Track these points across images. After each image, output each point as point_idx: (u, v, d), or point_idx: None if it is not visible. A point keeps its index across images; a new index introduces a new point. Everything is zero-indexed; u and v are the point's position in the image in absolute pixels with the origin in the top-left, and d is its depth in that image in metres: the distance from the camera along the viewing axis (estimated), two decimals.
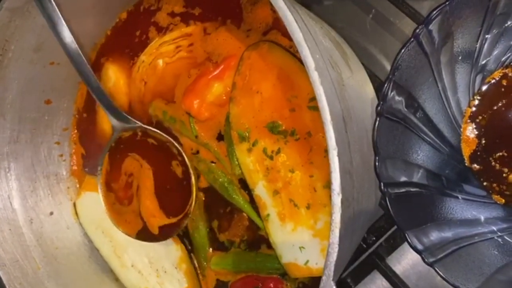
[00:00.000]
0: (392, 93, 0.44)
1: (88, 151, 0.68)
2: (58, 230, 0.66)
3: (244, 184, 0.56)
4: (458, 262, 0.45)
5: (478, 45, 0.47)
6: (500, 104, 0.48)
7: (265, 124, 0.53)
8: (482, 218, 0.49)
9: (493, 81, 0.49)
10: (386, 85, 0.44)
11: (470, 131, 0.50)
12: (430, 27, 0.43)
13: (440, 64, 0.47)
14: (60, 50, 0.61)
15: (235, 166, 0.56)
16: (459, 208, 0.49)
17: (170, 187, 0.61)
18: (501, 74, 0.49)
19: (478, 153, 0.49)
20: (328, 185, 0.49)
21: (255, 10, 0.57)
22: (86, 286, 0.64)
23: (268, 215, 0.53)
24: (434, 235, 0.46)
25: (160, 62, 0.61)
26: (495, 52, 0.48)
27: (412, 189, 0.48)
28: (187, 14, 0.61)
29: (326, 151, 0.45)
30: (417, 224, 0.46)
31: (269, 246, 0.55)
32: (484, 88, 0.49)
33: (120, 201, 0.63)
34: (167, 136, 0.59)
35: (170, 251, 0.61)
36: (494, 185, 0.49)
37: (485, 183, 0.49)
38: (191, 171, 0.58)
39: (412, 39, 0.43)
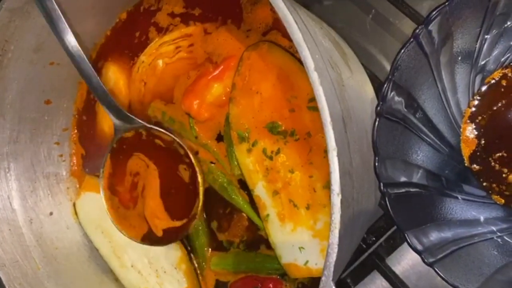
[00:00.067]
0: (392, 94, 0.44)
1: (88, 152, 0.68)
2: (58, 230, 0.66)
3: (243, 185, 0.56)
4: (457, 263, 0.45)
5: (477, 46, 0.47)
6: (499, 105, 0.49)
7: (264, 124, 0.53)
8: (482, 218, 0.49)
9: (492, 81, 0.49)
10: (385, 85, 0.44)
11: (469, 132, 0.50)
12: (430, 27, 0.43)
13: (440, 65, 0.47)
14: (60, 50, 0.61)
15: (234, 166, 0.56)
16: (459, 208, 0.49)
17: (175, 190, 0.60)
18: (500, 75, 0.49)
19: (478, 153, 0.49)
20: (327, 185, 0.49)
21: (255, 11, 0.57)
22: (85, 286, 0.64)
23: (267, 215, 0.53)
24: (434, 236, 0.46)
25: (160, 62, 0.61)
26: (495, 53, 0.48)
27: (411, 190, 0.48)
28: (187, 14, 0.61)
29: (325, 151, 0.45)
30: (416, 224, 0.46)
31: (268, 246, 0.55)
32: (483, 88, 0.49)
33: (124, 204, 0.62)
34: (172, 136, 0.59)
35: (170, 252, 0.61)
36: (494, 185, 0.49)
37: (484, 184, 0.49)
38: (199, 175, 0.57)
39: (411, 40, 0.43)
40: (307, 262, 0.51)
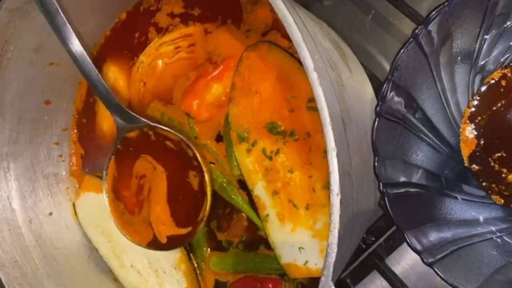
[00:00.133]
0: (391, 94, 0.44)
1: (88, 152, 0.68)
2: (58, 230, 0.66)
3: (243, 185, 0.56)
4: (457, 263, 0.45)
5: (477, 46, 0.47)
6: (499, 105, 0.49)
7: (264, 124, 0.53)
8: (481, 218, 0.49)
9: (492, 81, 0.49)
10: (385, 85, 0.44)
11: (469, 132, 0.50)
12: (429, 27, 0.43)
13: (439, 65, 0.47)
14: (59, 50, 0.61)
15: (234, 166, 0.56)
16: (458, 208, 0.49)
17: (183, 197, 0.58)
18: (500, 75, 0.49)
19: (477, 153, 0.49)
20: (327, 185, 0.49)
21: (255, 11, 0.57)
22: (85, 286, 0.64)
23: (267, 215, 0.53)
24: (433, 236, 0.46)
25: (160, 62, 0.61)
26: (494, 53, 0.48)
27: (411, 190, 0.47)
28: (186, 14, 0.61)
29: (325, 151, 0.45)
30: (416, 224, 0.46)
31: (268, 246, 0.55)
32: (483, 88, 0.49)
33: (130, 210, 0.61)
34: (179, 135, 0.57)
35: (169, 252, 0.61)
36: (493, 185, 0.49)
37: (484, 184, 0.49)
38: (206, 175, 0.56)
39: (411, 40, 0.43)
40: (306, 262, 0.51)
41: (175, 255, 0.61)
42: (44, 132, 0.66)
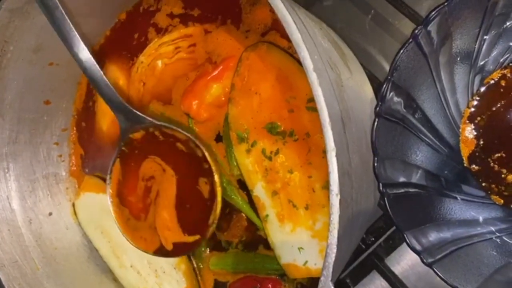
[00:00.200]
0: (391, 94, 0.44)
1: (87, 152, 0.68)
2: (57, 230, 0.66)
3: (242, 185, 0.56)
4: (456, 263, 0.45)
5: (476, 46, 0.47)
6: (498, 105, 0.49)
7: (263, 125, 0.53)
8: (481, 218, 0.49)
9: (491, 82, 0.49)
10: (384, 85, 0.44)
11: (469, 132, 0.50)
12: (429, 28, 0.43)
13: (439, 65, 0.47)
14: (59, 50, 0.61)
15: (233, 167, 0.56)
16: (458, 208, 0.49)
17: (191, 204, 0.56)
18: (499, 75, 0.49)
19: (477, 153, 0.49)
20: (326, 185, 0.50)
21: (254, 11, 0.57)
22: (85, 286, 0.64)
23: (267, 215, 0.53)
24: (433, 236, 0.46)
25: (159, 63, 0.61)
26: (494, 53, 0.48)
27: (411, 190, 0.48)
28: (186, 15, 0.61)
29: (324, 151, 0.46)
30: (416, 224, 0.46)
31: (267, 246, 0.55)
32: (482, 89, 0.49)
33: (135, 215, 0.59)
34: (186, 133, 0.55)
35: None
36: (493, 185, 0.49)
37: (483, 184, 0.49)
38: (215, 175, 0.54)
39: (411, 40, 0.43)
40: (306, 262, 0.51)
41: None
42: (43, 132, 0.66)
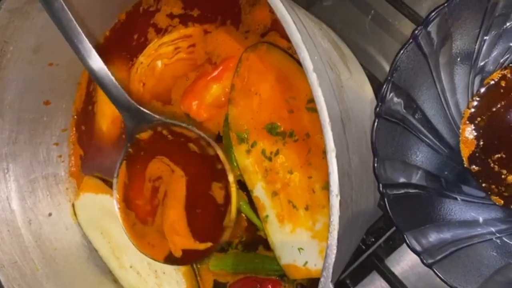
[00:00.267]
0: (391, 94, 0.44)
1: (87, 152, 0.68)
2: (57, 231, 0.66)
3: (242, 185, 0.56)
4: (456, 264, 0.45)
5: (476, 47, 0.47)
6: (499, 106, 0.48)
7: (263, 125, 0.53)
8: (481, 219, 0.49)
9: (492, 82, 0.49)
10: (384, 86, 0.44)
11: (469, 132, 0.50)
12: (429, 28, 0.43)
13: (439, 66, 0.47)
14: (59, 51, 0.61)
15: (233, 167, 0.56)
16: (458, 209, 0.49)
17: (203, 209, 0.53)
18: (500, 76, 0.49)
19: (477, 154, 0.49)
20: (326, 186, 0.50)
21: (254, 12, 0.57)
22: (84, 287, 0.64)
23: (267, 216, 0.53)
24: (433, 237, 0.46)
25: (159, 63, 0.61)
26: (494, 54, 0.48)
27: (411, 190, 0.47)
28: (185, 15, 0.61)
29: (324, 152, 0.46)
30: (416, 225, 0.46)
31: (267, 247, 0.55)
32: (482, 89, 0.49)
33: (142, 219, 0.56)
34: (196, 131, 0.52)
35: None
36: (493, 186, 0.49)
37: (484, 185, 0.49)
38: (229, 175, 0.50)
39: (410, 40, 0.43)
40: (306, 263, 0.51)
41: None
42: (43, 132, 0.66)
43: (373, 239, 0.60)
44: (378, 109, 0.44)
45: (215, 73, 0.56)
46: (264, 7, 0.56)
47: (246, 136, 0.54)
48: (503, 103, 0.48)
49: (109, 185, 0.64)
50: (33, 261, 0.62)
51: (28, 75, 0.61)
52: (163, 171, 0.56)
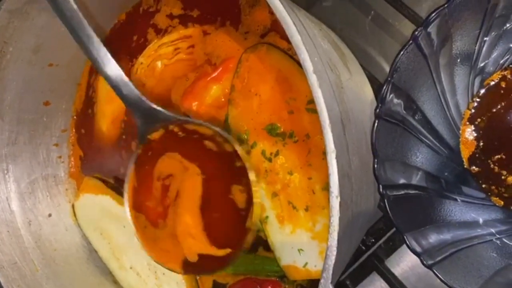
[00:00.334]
0: (391, 95, 0.44)
1: (86, 153, 0.68)
2: (57, 232, 0.66)
3: None
4: (456, 265, 0.45)
5: (476, 48, 0.47)
6: (499, 106, 0.48)
7: (263, 126, 0.53)
8: (481, 220, 0.49)
9: (492, 83, 0.49)
10: (384, 87, 0.44)
11: (469, 133, 0.50)
12: (429, 29, 0.43)
13: (439, 66, 0.47)
14: (59, 51, 0.61)
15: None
16: (458, 210, 0.49)
17: (221, 214, 0.48)
18: (500, 76, 0.49)
19: (477, 155, 0.49)
20: (326, 187, 0.49)
21: (254, 13, 0.57)
22: None
23: (266, 217, 0.53)
24: (433, 238, 0.46)
25: (159, 64, 0.61)
26: (494, 55, 0.48)
27: (411, 191, 0.47)
28: (185, 16, 0.61)
29: (324, 153, 0.45)
30: (416, 226, 0.46)
31: (267, 248, 0.55)
32: (482, 90, 0.49)
33: (152, 221, 0.51)
34: (212, 126, 0.49)
35: None
36: (493, 187, 0.49)
37: (484, 185, 0.49)
38: (250, 174, 0.47)
39: (411, 42, 0.43)
40: (306, 264, 0.51)
41: None
42: (43, 133, 0.66)
43: (373, 240, 0.60)
44: (378, 110, 0.44)
45: (215, 74, 0.56)
46: (263, 8, 0.56)
47: (246, 137, 0.54)
48: (503, 104, 0.48)
49: (109, 186, 0.64)
50: (33, 262, 0.61)
51: (28, 76, 0.61)
52: (175, 168, 0.51)
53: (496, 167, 0.48)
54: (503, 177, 0.48)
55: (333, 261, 0.37)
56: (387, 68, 0.62)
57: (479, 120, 0.49)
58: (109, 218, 0.63)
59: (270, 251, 0.54)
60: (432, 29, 0.43)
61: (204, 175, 0.49)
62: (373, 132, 0.44)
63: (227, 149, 0.48)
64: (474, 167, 0.49)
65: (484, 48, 0.47)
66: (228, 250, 0.48)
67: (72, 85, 0.67)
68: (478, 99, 0.49)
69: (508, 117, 0.48)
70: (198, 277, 0.61)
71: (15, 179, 0.63)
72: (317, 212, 0.51)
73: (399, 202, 0.45)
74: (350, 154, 0.41)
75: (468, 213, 0.49)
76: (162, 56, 0.61)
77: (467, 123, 0.49)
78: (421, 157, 0.49)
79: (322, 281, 0.38)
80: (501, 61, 0.48)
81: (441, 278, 0.43)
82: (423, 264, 0.43)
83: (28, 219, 0.63)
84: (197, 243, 0.50)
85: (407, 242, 0.44)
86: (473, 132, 0.49)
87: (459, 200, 0.50)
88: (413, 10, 0.58)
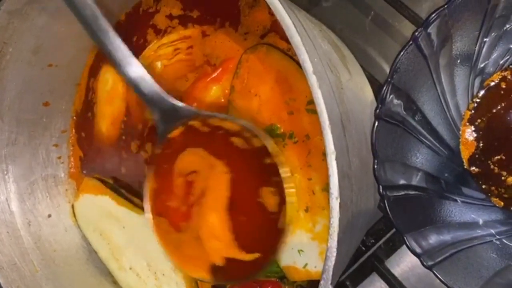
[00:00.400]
0: (391, 96, 0.44)
1: (86, 154, 0.68)
2: (56, 232, 0.65)
3: None
4: (456, 265, 0.45)
5: (477, 48, 0.47)
6: (499, 107, 0.48)
7: (263, 127, 0.53)
8: (481, 221, 0.49)
9: (492, 84, 0.49)
10: (384, 88, 0.44)
11: (469, 134, 0.50)
12: (429, 30, 0.43)
13: (439, 67, 0.47)
14: (58, 52, 0.61)
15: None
16: (458, 211, 0.49)
17: (248, 218, 0.45)
18: (500, 77, 0.49)
19: (477, 156, 0.49)
20: (326, 188, 0.49)
21: (253, 13, 0.57)
22: None
23: None
24: (433, 238, 0.46)
25: (159, 64, 0.61)
26: (494, 55, 0.48)
27: (411, 192, 0.47)
28: (185, 16, 0.61)
29: (324, 154, 0.45)
30: (416, 227, 0.46)
31: None
32: (482, 91, 0.49)
33: (175, 224, 0.48)
34: (239, 121, 0.46)
35: None
36: (493, 188, 0.49)
37: (484, 186, 0.49)
38: (284, 179, 0.43)
39: (411, 42, 0.43)
40: (306, 265, 0.51)
41: None
42: (43, 134, 0.66)
43: (373, 241, 0.60)
44: (378, 110, 0.44)
45: (215, 74, 0.56)
46: (263, 9, 0.56)
47: None
48: (503, 104, 0.48)
49: (109, 186, 0.64)
50: (33, 262, 0.61)
51: (27, 76, 0.61)
52: (199, 164, 0.48)
53: (496, 168, 0.48)
54: (503, 177, 0.48)
55: (333, 262, 0.37)
56: (387, 69, 0.62)
57: (479, 120, 0.49)
58: (108, 219, 0.63)
59: None
60: (432, 29, 0.43)
61: (231, 173, 0.46)
62: (373, 132, 0.43)
63: (255, 144, 0.45)
64: (474, 168, 0.49)
65: (484, 49, 0.47)
66: (257, 255, 0.45)
67: (72, 85, 0.67)
68: (478, 100, 0.49)
69: (508, 118, 0.48)
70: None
71: (14, 180, 0.63)
72: (317, 213, 0.51)
73: (399, 203, 0.45)
74: (350, 155, 0.40)
75: (468, 214, 0.49)
76: (161, 56, 0.61)
77: (467, 123, 0.49)
78: (421, 157, 0.49)
79: (322, 282, 0.38)
80: (501, 62, 0.48)
81: (441, 279, 0.43)
82: (423, 265, 0.43)
83: (27, 220, 0.63)
84: (222, 246, 0.46)
85: (407, 242, 0.44)
86: (473, 132, 0.49)
87: (459, 201, 0.50)
88: (413, 10, 0.58)
